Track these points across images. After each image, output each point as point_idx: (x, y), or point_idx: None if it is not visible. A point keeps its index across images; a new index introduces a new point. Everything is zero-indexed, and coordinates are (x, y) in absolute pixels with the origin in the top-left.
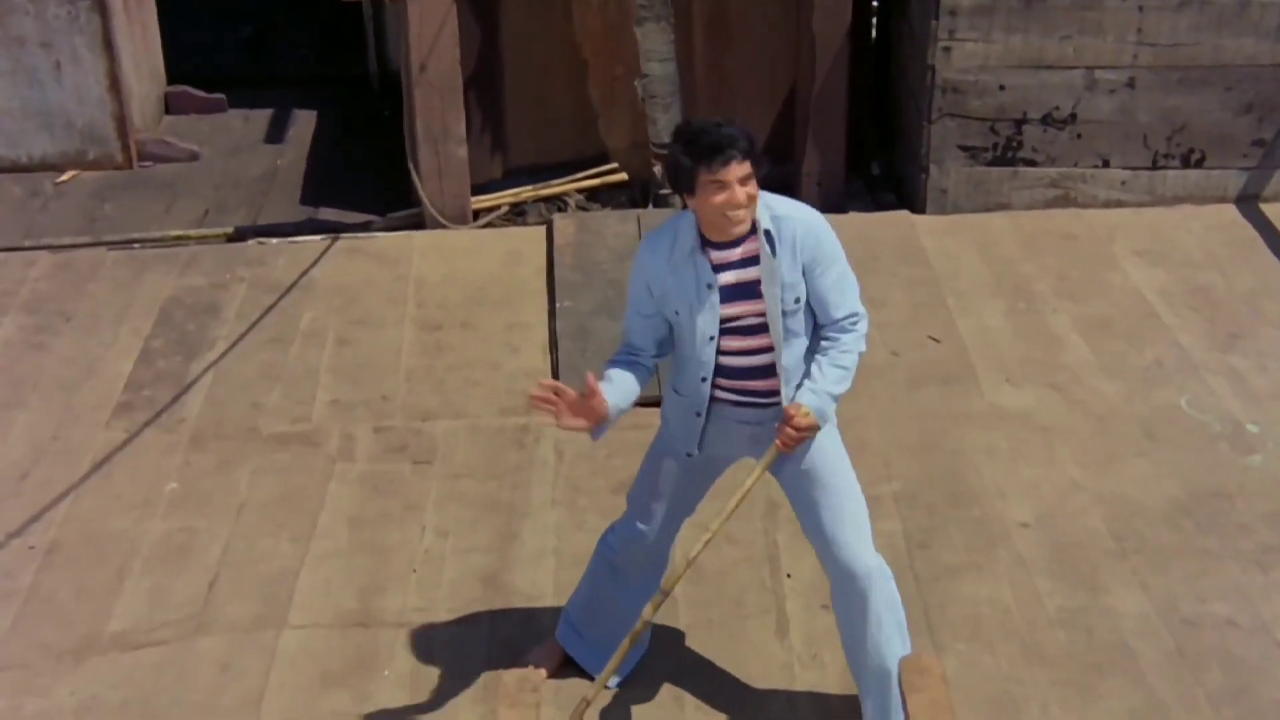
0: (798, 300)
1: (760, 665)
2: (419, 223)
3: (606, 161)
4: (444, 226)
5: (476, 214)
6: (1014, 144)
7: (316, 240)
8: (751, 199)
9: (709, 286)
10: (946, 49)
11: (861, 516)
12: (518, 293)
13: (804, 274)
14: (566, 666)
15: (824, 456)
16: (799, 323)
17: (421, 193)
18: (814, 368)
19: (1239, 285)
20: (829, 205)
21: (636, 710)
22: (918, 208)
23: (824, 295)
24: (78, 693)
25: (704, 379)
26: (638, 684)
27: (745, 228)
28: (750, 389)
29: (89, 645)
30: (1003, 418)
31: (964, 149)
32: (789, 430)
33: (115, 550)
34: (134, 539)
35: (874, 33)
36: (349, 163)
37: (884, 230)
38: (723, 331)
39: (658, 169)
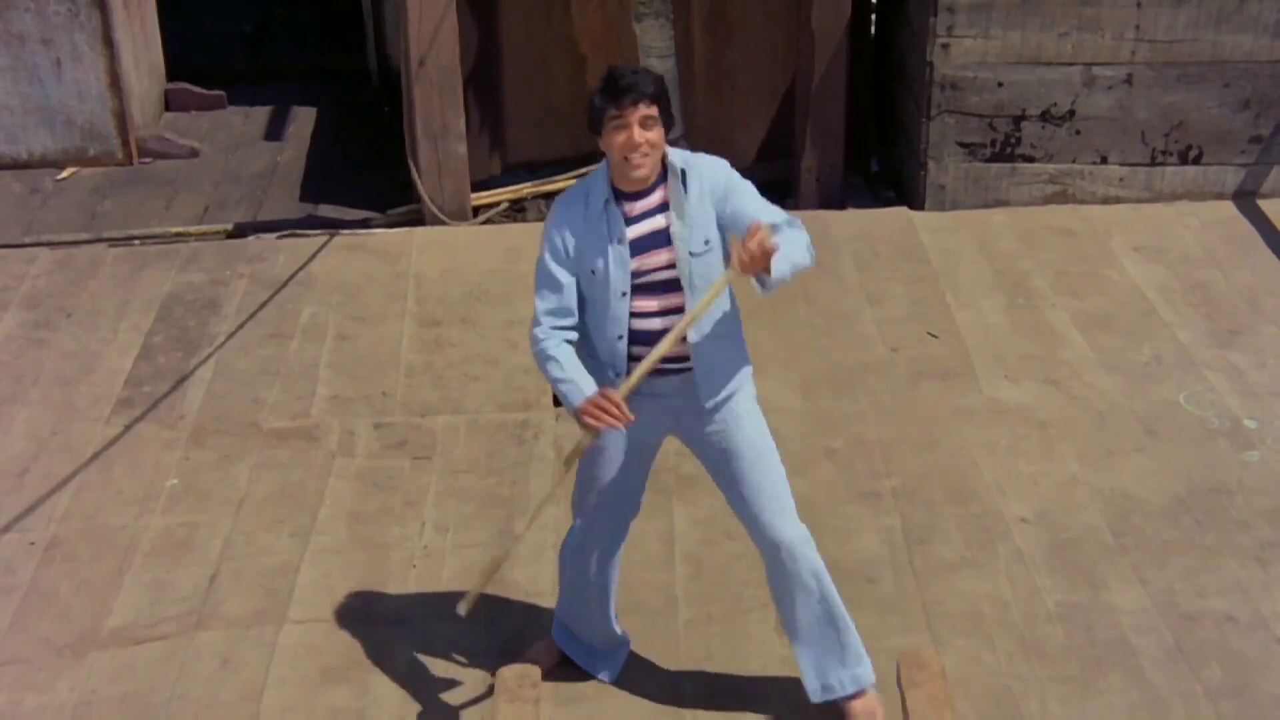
0: (707, 242)
1: (760, 660)
2: (418, 219)
3: (605, 157)
4: (443, 223)
5: (476, 210)
6: (1013, 140)
7: (316, 236)
8: (652, 145)
9: (619, 240)
10: (945, 45)
11: (781, 489)
12: (517, 289)
13: (718, 215)
14: (564, 665)
15: (742, 432)
16: (708, 268)
17: (421, 189)
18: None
19: (1237, 282)
20: (828, 201)
21: (636, 705)
22: (917, 204)
23: (748, 213)
24: (77, 688)
25: (619, 336)
26: (637, 679)
27: (644, 173)
28: (638, 356)
29: (89, 640)
30: (1002, 413)
31: (963, 145)
32: (749, 245)
33: (115, 545)
34: (134, 534)
35: (873, 29)
36: (349, 159)
37: (883, 226)
38: (635, 289)
39: None
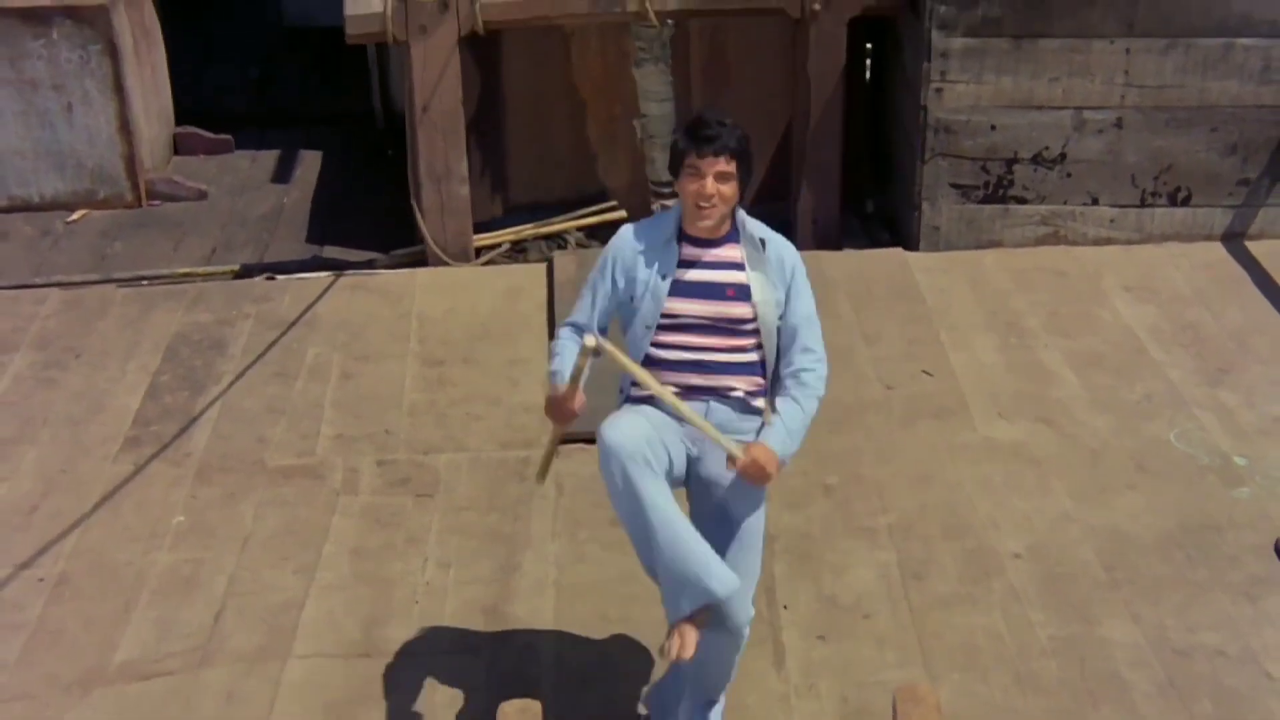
0: (781, 317)
1: (758, 696)
2: (422, 260)
3: (606, 199)
4: (446, 264)
5: (478, 251)
6: (1005, 182)
7: (321, 277)
8: (724, 198)
9: (664, 277)
10: (939, 90)
11: (753, 574)
12: (519, 328)
13: (788, 295)
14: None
15: (741, 507)
16: (774, 337)
17: (424, 230)
18: (783, 405)
19: (1226, 322)
20: (825, 242)
21: None
22: (911, 244)
23: (797, 323)
24: None
25: (645, 359)
26: (633, 716)
27: (709, 224)
28: (688, 384)
29: (96, 676)
30: (995, 450)
31: (956, 187)
32: (753, 471)
33: (123, 582)
34: (141, 571)
35: (868, 74)
36: (353, 201)
37: (878, 266)
38: (662, 327)
39: (656, 207)
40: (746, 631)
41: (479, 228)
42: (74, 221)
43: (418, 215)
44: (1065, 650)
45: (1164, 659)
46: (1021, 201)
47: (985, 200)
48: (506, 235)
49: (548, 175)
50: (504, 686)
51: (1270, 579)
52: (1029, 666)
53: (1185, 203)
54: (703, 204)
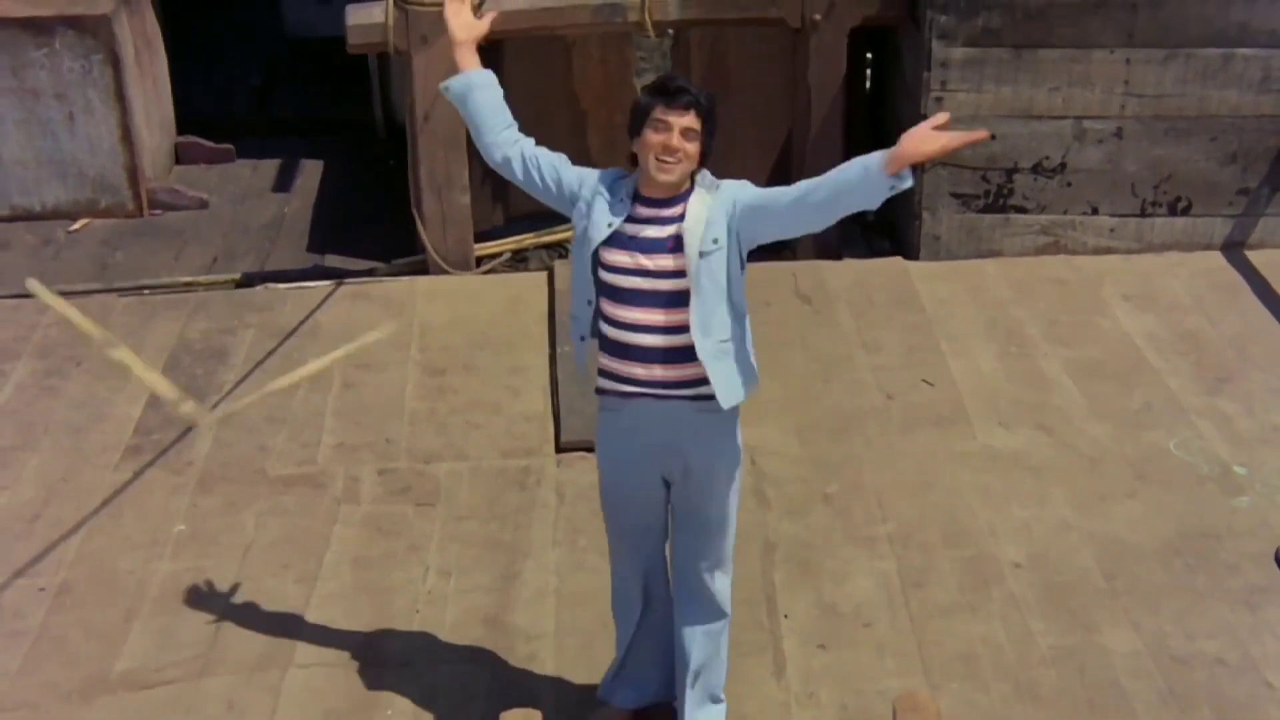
0: (715, 240)
1: (757, 704)
2: (423, 269)
3: None
4: (447, 272)
5: (479, 260)
6: (1005, 192)
7: (322, 285)
8: (688, 155)
9: (609, 225)
10: (939, 99)
11: (727, 556)
12: (519, 337)
13: (729, 218)
14: None
15: (711, 504)
16: (714, 270)
17: (425, 239)
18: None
19: (1225, 330)
20: (825, 251)
21: None
22: (912, 254)
23: (763, 197)
24: None
25: (588, 301)
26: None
27: (670, 179)
28: (635, 376)
29: (97, 685)
30: (995, 459)
31: (956, 196)
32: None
33: (124, 591)
34: (142, 580)
35: (868, 84)
36: (354, 210)
37: (879, 275)
38: (631, 297)
39: None
40: (728, 610)
41: (480, 237)
42: (76, 231)
43: (419, 224)
44: (1065, 659)
45: (1164, 667)
46: (1021, 211)
47: (985, 210)
48: (507, 244)
49: None
50: (505, 695)
51: (1270, 587)
52: (1029, 675)
53: (1185, 212)
54: (666, 158)
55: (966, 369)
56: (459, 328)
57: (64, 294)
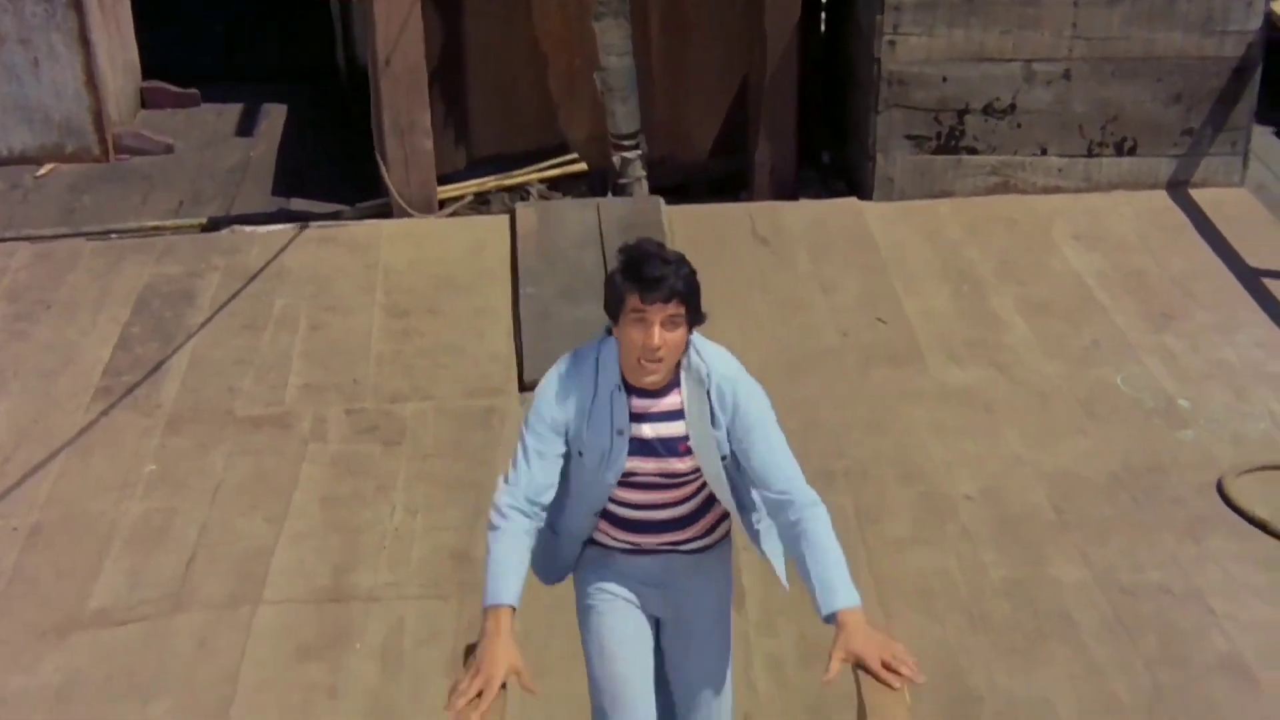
0: (724, 458)
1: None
2: (386, 212)
3: (567, 152)
4: (410, 215)
5: (442, 203)
6: (957, 133)
7: (288, 229)
8: (672, 348)
9: (619, 433)
10: (891, 43)
11: (725, 699)
12: (483, 279)
13: (733, 433)
14: None
15: (704, 620)
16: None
17: (389, 183)
18: (816, 564)
19: (1170, 268)
20: (781, 193)
21: None
22: (866, 195)
23: (763, 463)
24: (61, 669)
25: (595, 512)
26: None
27: (656, 379)
28: (641, 544)
29: (71, 623)
30: (948, 396)
31: (909, 138)
32: (886, 655)
33: (95, 531)
34: (113, 520)
35: (823, 28)
36: (319, 154)
37: (834, 217)
38: (620, 484)
39: (616, 159)
40: None
41: (442, 180)
42: (42, 176)
43: (382, 168)
44: (1016, 590)
45: (1111, 597)
46: (973, 152)
47: (938, 151)
48: (470, 187)
49: (510, 128)
50: (471, 629)
51: (1213, 518)
52: (981, 606)
53: (1131, 152)
54: (648, 360)
55: (920, 308)
56: (423, 270)
57: (31, 238)
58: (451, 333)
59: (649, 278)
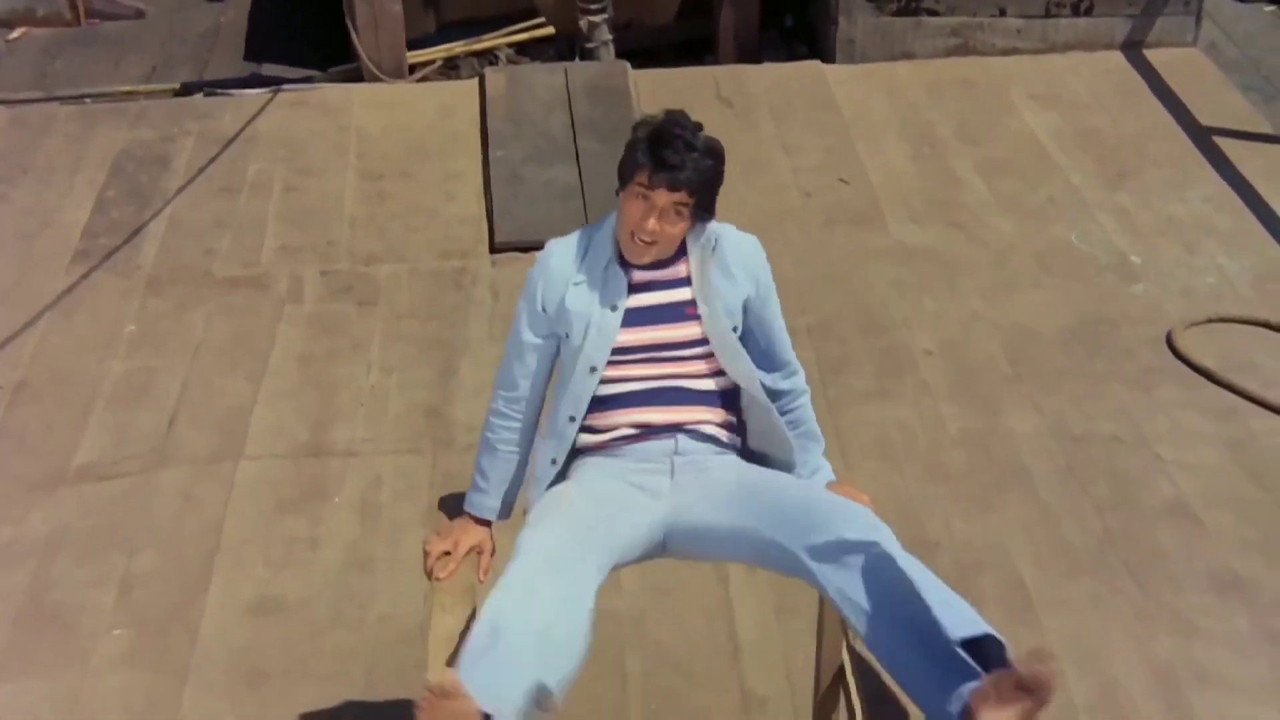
0: (735, 329)
1: None
2: (357, 76)
3: (535, 16)
4: (381, 80)
5: (412, 68)
6: None
7: (261, 94)
8: (667, 238)
9: (612, 307)
10: None
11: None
12: (453, 144)
13: (745, 304)
14: None
15: (729, 471)
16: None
17: (359, 47)
18: (805, 444)
19: (1125, 127)
20: (745, 56)
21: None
22: (828, 58)
23: (773, 331)
24: (49, 521)
25: (571, 418)
26: None
27: (644, 260)
28: (646, 421)
29: (58, 477)
30: (908, 254)
31: (870, 1)
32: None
33: (79, 389)
34: (97, 378)
35: None
36: (289, 19)
37: (797, 79)
38: (612, 361)
39: (583, 23)
40: (893, 545)
41: (412, 45)
42: (14, 40)
43: (352, 33)
44: (972, 441)
45: (1064, 446)
46: (933, 14)
47: (898, 13)
48: (439, 53)
49: None
50: (446, 483)
51: (1162, 369)
52: (939, 456)
53: (1088, 13)
54: (641, 238)
55: (881, 168)
56: (395, 134)
57: (6, 101)
58: (423, 196)
59: (664, 161)
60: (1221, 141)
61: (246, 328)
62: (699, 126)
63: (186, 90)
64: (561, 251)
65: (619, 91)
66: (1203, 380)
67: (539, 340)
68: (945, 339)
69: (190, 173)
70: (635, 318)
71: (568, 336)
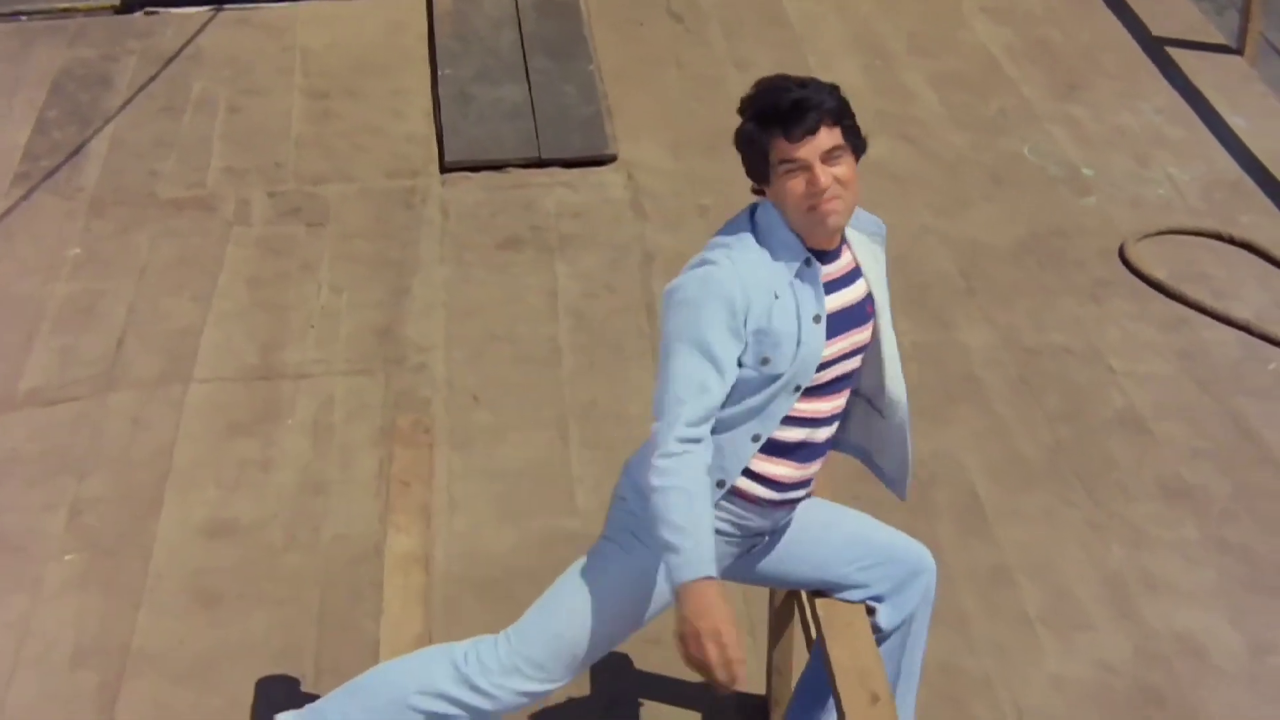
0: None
1: (640, 406)
2: None
3: None
4: None
5: None
6: None
7: (203, 11)
8: (845, 182)
9: (815, 319)
10: None
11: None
12: (400, 62)
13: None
14: None
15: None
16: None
17: None
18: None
19: (1077, 39)
20: None
21: (521, 446)
22: None
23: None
24: None
25: (756, 437)
26: (521, 426)
27: (840, 220)
28: (795, 479)
29: (5, 402)
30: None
31: None
32: None
33: (23, 312)
34: (41, 301)
35: None
36: None
37: None
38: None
39: None
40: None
41: None
42: None
43: None
44: (926, 355)
45: (1016, 358)
46: None
47: None
48: None
49: None
50: (399, 403)
51: (1113, 281)
52: None
53: None
54: (823, 199)
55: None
56: (340, 51)
57: None
58: (371, 114)
59: (788, 108)
60: (1173, 52)
61: (193, 250)
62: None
63: (127, 7)
64: (737, 261)
65: (569, 7)
66: (1154, 291)
67: (733, 355)
68: (897, 253)
69: (132, 92)
70: (834, 325)
71: (765, 362)
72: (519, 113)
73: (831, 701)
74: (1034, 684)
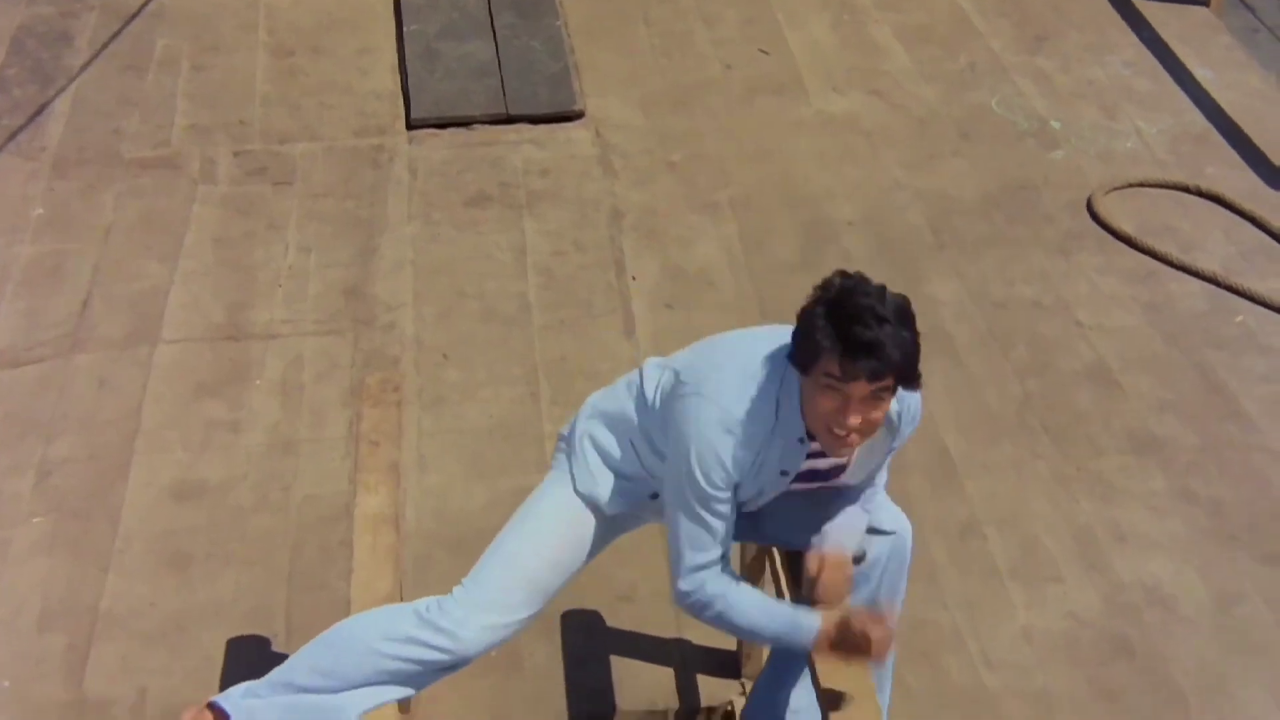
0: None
1: (610, 362)
2: None
3: None
4: None
5: None
6: None
7: None
8: (870, 426)
9: (783, 474)
10: None
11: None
12: (366, 18)
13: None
14: None
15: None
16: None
17: None
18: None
19: None
20: None
21: (491, 404)
22: None
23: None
24: None
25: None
26: (490, 384)
27: (851, 454)
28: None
29: None
30: (830, 124)
31: None
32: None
33: None
34: (5, 263)
35: None
36: None
37: None
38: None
39: None
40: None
41: None
42: None
43: None
44: None
45: (985, 311)
46: None
47: None
48: None
49: None
50: (368, 362)
51: (1082, 234)
52: None
53: None
54: (837, 434)
55: (801, 39)
56: (305, 9)
57: None
58: (336, 72)
59: (856, 343)
60: (1141, 4)
61: (158, 209)
62: (882, 289)
63: None
64: (746, 432)
65: None
66: (1122, 244)
67: (733, 506)
68: (867, 209)
69: (94, 49)
70: (803, 476)
71: (736, 487)
72: (486, 70)
73: (804, 656)
74: (1004, 636)
